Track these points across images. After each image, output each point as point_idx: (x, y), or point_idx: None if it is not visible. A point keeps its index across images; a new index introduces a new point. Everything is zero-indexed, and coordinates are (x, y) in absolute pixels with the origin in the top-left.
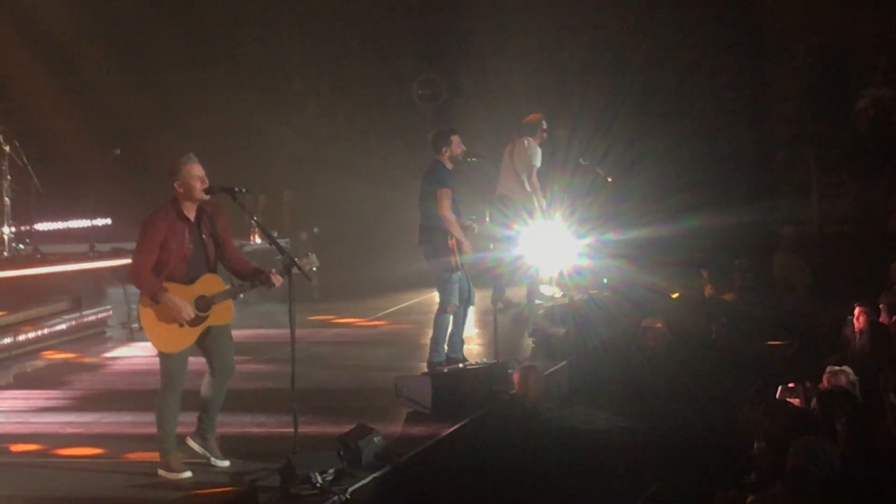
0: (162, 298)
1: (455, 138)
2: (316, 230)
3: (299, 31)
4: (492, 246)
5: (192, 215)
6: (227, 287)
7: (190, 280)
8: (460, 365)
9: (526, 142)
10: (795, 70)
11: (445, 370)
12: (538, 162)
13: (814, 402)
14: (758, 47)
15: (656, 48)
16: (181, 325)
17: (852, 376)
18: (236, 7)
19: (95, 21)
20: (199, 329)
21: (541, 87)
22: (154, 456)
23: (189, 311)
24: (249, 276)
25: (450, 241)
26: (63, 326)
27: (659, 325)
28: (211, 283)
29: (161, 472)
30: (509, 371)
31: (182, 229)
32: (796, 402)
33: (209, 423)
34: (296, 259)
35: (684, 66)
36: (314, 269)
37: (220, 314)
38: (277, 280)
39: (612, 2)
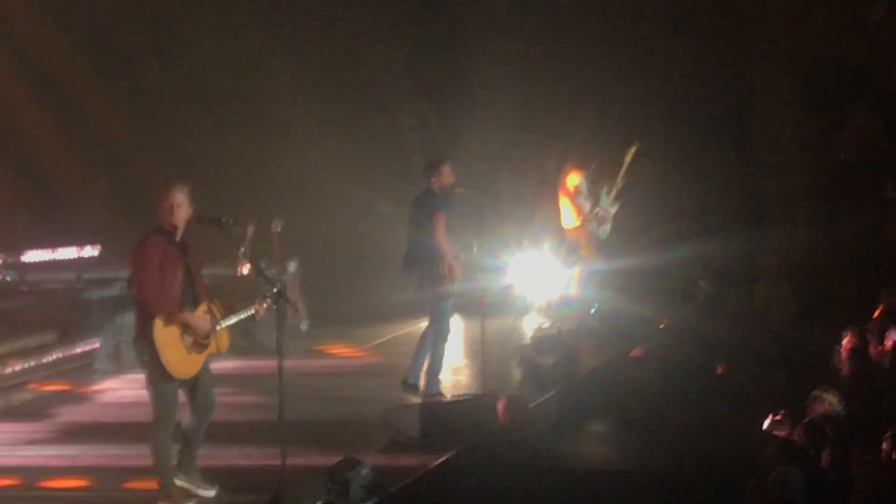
0: (180, 317)
1: (445, 168)
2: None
3: (288, 60)
4: (479, 276)
5: (177, 242)
6: (225, 316)
7: (186, 307)
8: (447, 396)
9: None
10: (782, 99)
11: (434, 401)
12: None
13: (798, 431)
14: (745, 77)
15: (644, 79)
16: (189, 352)
17: (837, 402)
18: (223, 36)
19: (84, 50)
20: (204, 356)
21: (530, 117)
22: (140, 488)
23: (208, 325)
24: (230, 308)
25: (443, 269)
26: (50, 358)
27: (639, 353)
28: (212, 311)
29: None
30: (497, 402)
31: (173, 254)
32: (783, 433)
33: (190, 459)
34: (284, 291)
35: (672, 96)
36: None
37: (220, 342)
38: (262, 311)
39: (599, 33)
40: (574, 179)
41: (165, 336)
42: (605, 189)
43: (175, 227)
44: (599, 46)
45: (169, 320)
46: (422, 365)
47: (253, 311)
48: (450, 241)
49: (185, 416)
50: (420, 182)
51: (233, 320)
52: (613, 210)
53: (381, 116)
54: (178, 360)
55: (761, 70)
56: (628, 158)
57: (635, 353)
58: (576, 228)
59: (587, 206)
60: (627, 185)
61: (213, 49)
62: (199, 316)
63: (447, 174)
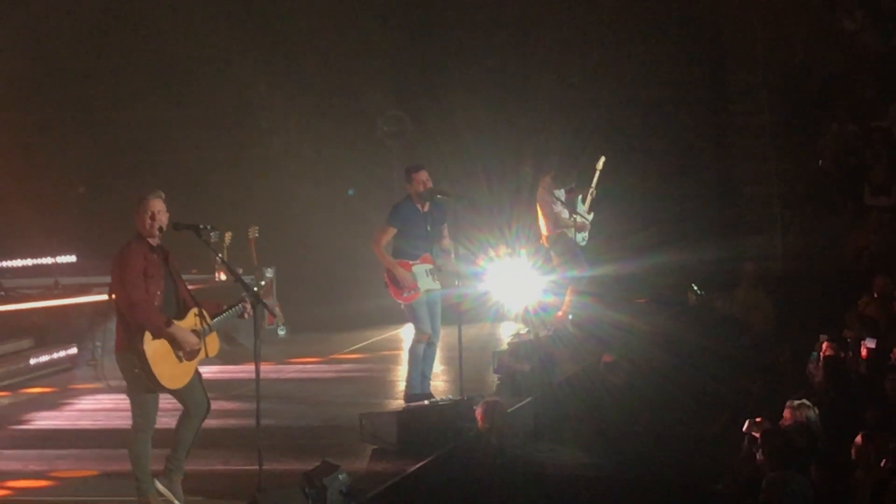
0: (171, 329)
1: (417, 176)
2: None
3: (265, 67)
4: (457, 282)
5: (157, 249)
6: (214, 317)
7: (171, 315)
8: (426, 402)
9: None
10: (759, 107)
11: (411, 406)
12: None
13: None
14: (721, 84)
15: (621, 85)
16: (181, 360)
17: (813, 410)
18: (201, 43)
19: (59, 57)
20: (196, 362)
21: (507, 124)
22: (119, 494)
23: (196, 339)
24: (217, 310)
25: (384, 277)
26: (27, 363)
27: (612, 358)
28: (199, 317)
29: None
30: (474, 407)
31: (155, 261)
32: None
33: (178, 463)
34: (261, 297)
35: (649, 103)
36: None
37: (211, 347)
38: (248, 307)
39: (576, 40)
40: (543, 183)
41: (156, 348)
42: (579, 197)
43: (155, 235)
44: (575, 53)
45: (158, 334)
46: (418, 368)
47: (241, 309)
48: (423, 247)
49: (177, 422)
50: (398, 188)
51: (221, 319)
52: (590, 218)
53: (359, 124)
54: (170, 372)
55: (738, 77)
56: (599, 166)
57: (607, 358)
58: (551, 236)
59: (565, 212)
60: (601, 193)
61: (191, 56)
62: (189, 320)
63: (421, 181)
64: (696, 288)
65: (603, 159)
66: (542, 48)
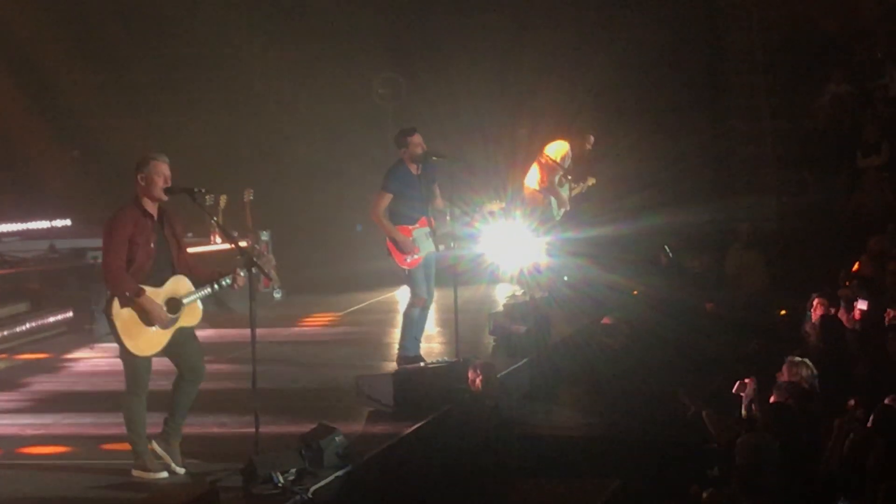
0: (140, 299)
1: (413, 139)
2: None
3: (259, 29)
4: (452, 244)
5: (154, 213)
6: (196, 289)
7: (158, 281)
8: (421, 364)
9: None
10: (755, 66)
11: (407, 368)
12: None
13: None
14: (717, 44)
15: (616, 46)
16: (154, 328)
17: (812, 370)
18: (196, 5)
19: (55, 19)
20: (171, 331)
21: (502, 85)
22: (116, 457)
23: (165, 315)
24: (210, 277)
25: (387, 243)
26: (23, 328)
27: (610, 320)
28: (180, 285)
29: (137, 472)
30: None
31: (147, 226)
32: (748, 396)
33: (175, 427)
34: (255, 258)
35: (644, 64)
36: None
37: (190, 315)
38: (241, 280)
39: (571, 0)
40: (562, 149)
41: (126, 315)
42: (567, 185)
43: (158, 199)
44: (571, 13)
45: (126, 303)
46: (412, 331)
47: (232, 280)
48: (419, 209)
49: (172, 385)
50: (393, 150)
51: (207, 291)
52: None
53: (354, 85)
54: (139, 339)
55: (733, 37)
56: (589, 183)
57: (605, 320)
58: (534, 192)
59: (555, 179)
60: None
61: (185, 18)
62: (169, 288)
63: (415, 144)
64: (667, 249)
65: (593, 181)
66: (538, 8)
